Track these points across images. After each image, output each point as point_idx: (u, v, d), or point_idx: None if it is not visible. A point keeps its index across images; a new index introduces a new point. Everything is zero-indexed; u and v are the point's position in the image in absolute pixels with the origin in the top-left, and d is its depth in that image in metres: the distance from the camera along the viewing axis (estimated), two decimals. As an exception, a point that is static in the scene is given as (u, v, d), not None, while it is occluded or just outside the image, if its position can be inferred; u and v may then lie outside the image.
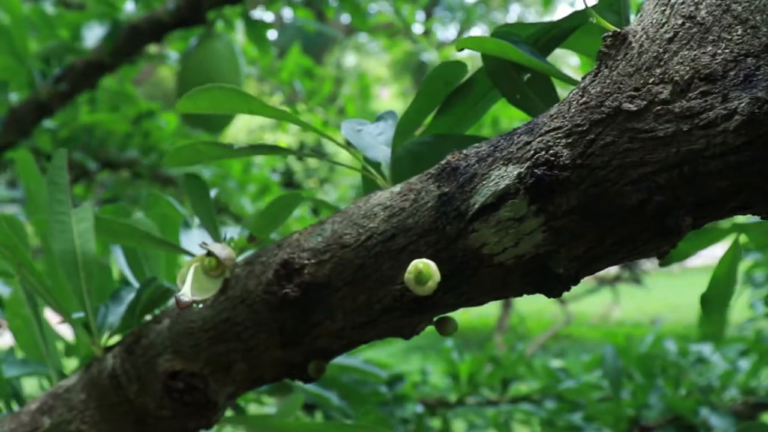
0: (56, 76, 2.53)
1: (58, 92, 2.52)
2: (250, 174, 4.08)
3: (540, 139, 0.73)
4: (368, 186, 0.96)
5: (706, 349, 2.76)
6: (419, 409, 3.15)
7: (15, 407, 1.38)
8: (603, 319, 10.46)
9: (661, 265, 1.02)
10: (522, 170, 0.72)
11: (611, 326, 9.70)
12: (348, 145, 1.00)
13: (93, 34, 2.46)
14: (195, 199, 1.07)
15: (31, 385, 1.73)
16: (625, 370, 2.78)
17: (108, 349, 1.09)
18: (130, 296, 1.14)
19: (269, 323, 0.90)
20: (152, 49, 2.89)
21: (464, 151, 0.79)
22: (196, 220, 1.33)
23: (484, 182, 0.75)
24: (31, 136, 2.59)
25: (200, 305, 0.97)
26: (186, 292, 0.86)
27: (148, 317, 1.12)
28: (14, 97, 2.60)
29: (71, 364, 1.45)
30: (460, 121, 0.94)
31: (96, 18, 2.51)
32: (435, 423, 3.45)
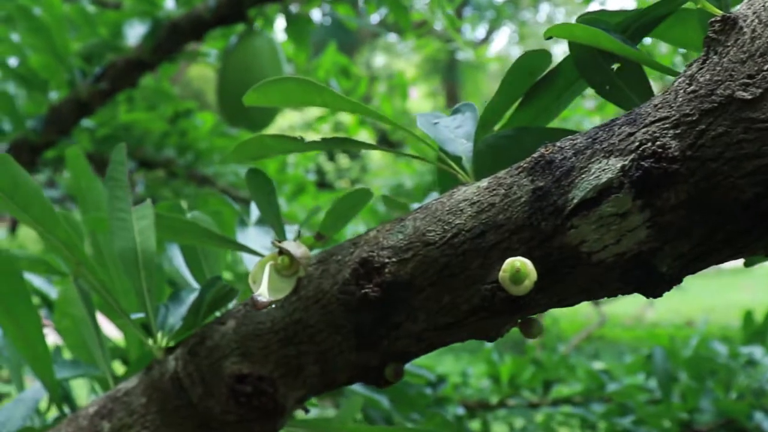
0: (96, 74, 2.50)
1: (99, 91, 2.49)
2: (285, 174, 4.05)
3: (645, 130, 0.68)
4: (446, 181, 0.92)
5: (758, 351, 2.70)
6: (460, 411, 3.11)
7: (66, 410, 1.36)
8: (636, 320, 10.36)
9: (746, 265, 0.98)
10: (626, 163, 0.68)
11: (646, 328, 9.59)
12: (415, 138, 0.96)
13: (134, 33, 2.44)
14: (258, 195, 1.03)
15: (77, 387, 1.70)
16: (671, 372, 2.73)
17: (169, 351, 1.05)
18: (190, 297, 1.10)
19: (345, 325, 0.86)
20: (192, 47, 2.86)
21: (558, 144, 0.75)
22: (253, 218, 1.29)
23: (583, 176, 0.71)
24: (71, 135, 2.56)
25: (272, 306, 0.93)
26: (263, 293, 0.82)
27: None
28: (54, 96, 2.57)
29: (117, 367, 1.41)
30: (542, 113, 0.89)
31: (136, 16, 2.49)
32: (474, 425, 3.41)
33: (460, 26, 5.03)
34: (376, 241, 0.85)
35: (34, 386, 1.35)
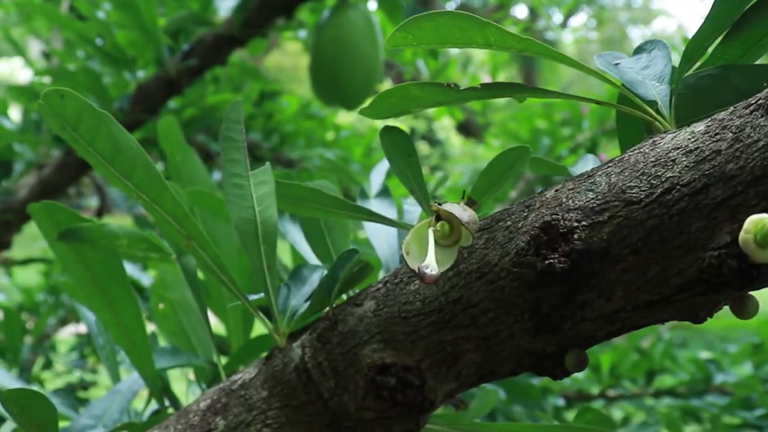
0: (185, 51, 2.39)
1: (187, 68, 2.38)
2: (372, 157, 3.92)
3: None
4: (629, 130, 0.77)
5: None
6: (560, 402, 2.98)
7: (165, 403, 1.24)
8: (724, 309, 10.05)
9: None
10: None
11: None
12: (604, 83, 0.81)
13: (224, 5, 2.31)
14: (395, 157, 0.88)
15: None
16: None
17: (292, 337, 0.92)
18: (314, 275, 0.96)
19: (519, 304, 0.71)
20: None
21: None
22: (374, 189, 1.16)
23: None
24: (158, 114, 2.45)
25: (415, 283, 0.79)
26: (431, 263, 0.67)
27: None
28: (141, 75, 2.46)
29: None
30: (752, 47, 0.73)
31: (227, -12, 2.36)
32: (570, 416, 3.26)
33: (541, 7, 4.86)
34: (558, 202, 0.70)
35: (130, 377, 1.24)
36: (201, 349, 1.30)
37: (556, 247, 0.67)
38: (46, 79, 2.73)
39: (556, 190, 0.71)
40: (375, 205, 1.10)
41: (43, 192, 2.48)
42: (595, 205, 0.66)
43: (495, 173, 0.83)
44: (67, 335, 3.84)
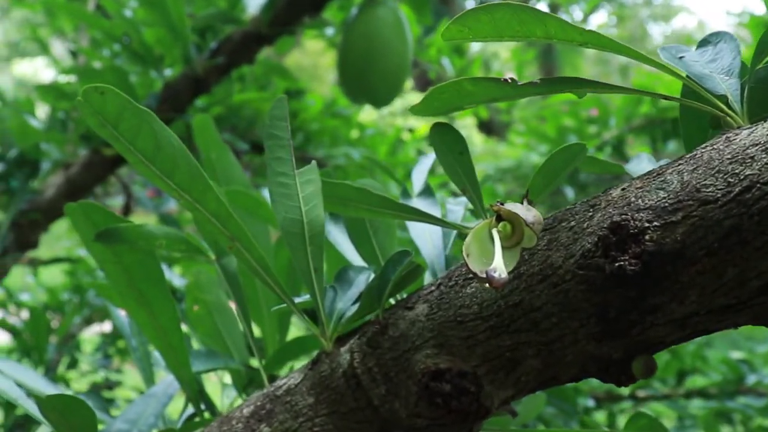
0: (212, 48, 2.36)
1: (215, 66, 2.35)
2: (397, 156, 3.89)
3: None
4: (693, 127, 0.74)
5: None
6: (590, 403, 2.94)
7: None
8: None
9: None
10: None
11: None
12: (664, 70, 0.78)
13: (254, 2, 2.28)
14: (446, 155, 0.86)
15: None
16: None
17: (340, 341, 0.89)
18: (360, 277, 0.94)
19: (584, 308, 0.68)
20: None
21: None
22: (416, 188, 1.13)
23: None
24: (186, 113, 2.42)
25: (471, 286, 0.76)
26: (499, 266, 0.64)
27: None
28: (168, 73, 2.44)
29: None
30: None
31: (254, -15, 2.33)
32: (599, 417, 3.22)
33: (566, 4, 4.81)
34: (626, 201, 0.67)
35: (165, 380, 1.22)
36: (236, 351, 1.28)
37: (626, 249, 0.64)
38: (72, 78, 2.71)
39: (623, 189, 0.68)
40: (419, 204, 1.07)
41: (70, 191, 2.47)
42: (667, 204, 0.63)
43: (551, 171, 0.80)
44: (91, 334, 3.83)
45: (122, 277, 1.07)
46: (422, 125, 4.49)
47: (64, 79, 2.78)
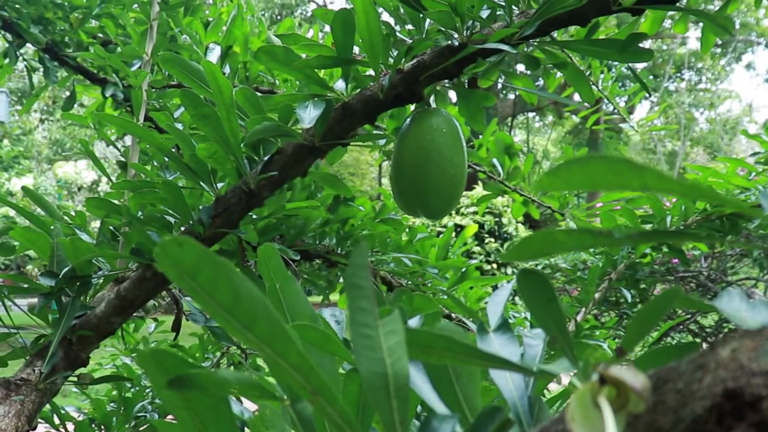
0: (265, 161, 2.34)
1: (268, 180, 2.32)
2: (448, 259, 3.84)
3: None
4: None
5: None
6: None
7: None
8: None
9: None
10: None
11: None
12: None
13: (307, 116, 2.25)
14: (534, 302, 0.81)
15: None
16: None
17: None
18: (444, 425, 0.88)
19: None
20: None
21: None
22: (493, 323, 1.08)
23: None
24: (238, 227, 2.39)
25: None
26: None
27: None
28: (219, 185, 2.41)
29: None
30: None
31: (307, 99, 2.31)
32: None
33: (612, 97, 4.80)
34: (738, 364, 0.61)
35: None
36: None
37: (743, 417, 0.58)
38: (123, 192, 2.70)
39: (733, 350, 0.62)
40: (496, 341, 1.02)
41: (121, 307, 2.43)
42: (790, 370, 0.57)
43: (647, 320, 0.75)
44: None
45: (191, 422, 1.02)
46: (470, 225, 4.43)
47: (105, 186, 2.78)
